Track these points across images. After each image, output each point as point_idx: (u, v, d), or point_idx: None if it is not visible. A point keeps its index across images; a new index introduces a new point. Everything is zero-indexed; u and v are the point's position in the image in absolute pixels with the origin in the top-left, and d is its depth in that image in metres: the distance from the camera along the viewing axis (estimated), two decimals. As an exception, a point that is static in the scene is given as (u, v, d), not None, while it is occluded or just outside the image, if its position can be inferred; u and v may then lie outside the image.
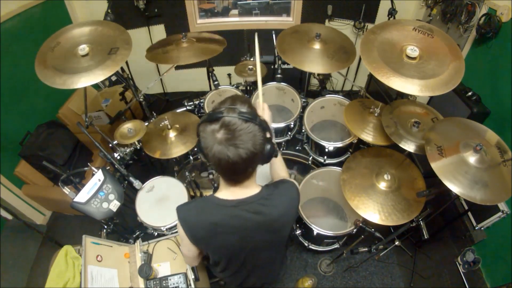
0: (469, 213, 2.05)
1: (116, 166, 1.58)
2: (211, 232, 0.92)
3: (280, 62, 1.96)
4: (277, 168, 1.16)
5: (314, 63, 1.75)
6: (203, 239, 0.95)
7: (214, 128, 0.77)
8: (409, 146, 1.48)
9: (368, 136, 1.65)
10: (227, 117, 0.77)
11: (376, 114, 1.71)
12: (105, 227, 1.68)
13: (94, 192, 1.39)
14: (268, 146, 0.84)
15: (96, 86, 2.97)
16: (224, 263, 1.07)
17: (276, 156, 0.90)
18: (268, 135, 0.84)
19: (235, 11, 2.96)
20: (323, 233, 1.70)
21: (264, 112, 1.10)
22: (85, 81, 1.38)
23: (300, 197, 1.01)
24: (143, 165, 2.12)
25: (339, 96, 2.02)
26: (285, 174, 1.15)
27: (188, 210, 0.94)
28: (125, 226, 1.83)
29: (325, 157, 1.94)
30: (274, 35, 1.99)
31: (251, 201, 0.90)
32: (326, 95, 2.04)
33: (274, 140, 0.97)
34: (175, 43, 1.86)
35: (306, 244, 1.99)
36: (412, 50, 1.39)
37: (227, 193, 0.91)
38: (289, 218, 1.00)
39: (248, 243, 0.97)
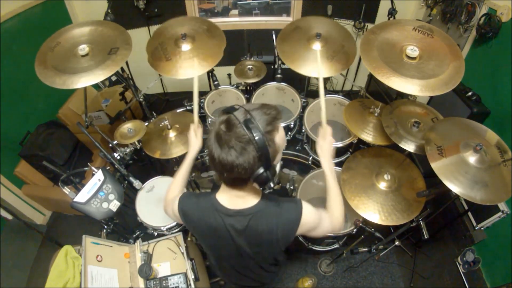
0: (469, 213, 2.05)
1: (116, 166, 1.58)
2: (205, 231, 0.95)
3: (280, 62, 1.96)
4: (330, 198, 1.05)
5: (314, 66, 1.74)
6: (197, 233, 1.01)
7: (222, 119, 0.78)
8: (409, 146, 1.48)
9: (368, 136, 1.65)
10: (236, 113, 0.76)
11: (376, 114, 1.71)
12: (105, 227, 1.67)
13: (94, 192, 1.39)
14: (261, 171, 0.77)
15: (96, 86, 2.97)
16: (214, 261, 1.12)
17: (270, 188, 0.82)
18: (265, 161, 0.76)
19: (235, 11, 2.96)
20: (323, 233, 1.70)
21: (326, 138, 1.08)
22: (85, 81, 1.38)
23: (302, 220, 0.90)
24: (143, 165, 2.12)
25: (339, 96, 2.02)
26: (334, 207, 1.03)
27: (190, 205, 0.96)
28: (125, 226, 1.83)
29: (325, 157, 1.93)
30: (274, 35, 1.99)
31: (247, 213, 0.88)
32: (326, 95, 2.03)
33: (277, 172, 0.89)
34: (175, 42, 1.84)
35: (306, 244, 1.99)
36: (412, 50, 1.39)
37: (226, 198, 0.91)
38: (278, 238, 0.91)
39: (238, 251, 0.97)
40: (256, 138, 0.72)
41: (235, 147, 0.73)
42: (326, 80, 3.21)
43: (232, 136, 0.74)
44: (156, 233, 1.61)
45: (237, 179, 0.83)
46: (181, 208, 0.96)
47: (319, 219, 0.95)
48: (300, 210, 0.89)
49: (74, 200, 1.36)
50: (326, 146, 1.08)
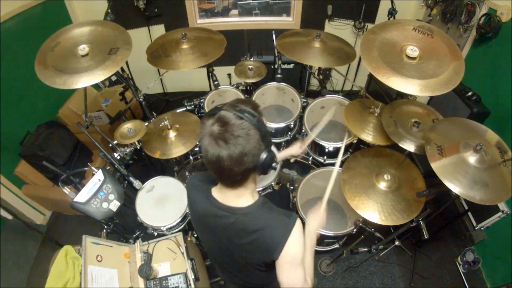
0: (469, 213, 2.05)
1: (116, 166, 1.58)
2: (199, 218, 0.98)
3: (280, 62, 1.96)
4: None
5: (315, 58, 1.76)
6: (192, 214, 1.05)
7: (211, 121, 0.77)
8: (409, 146, 1.48)
9: (368, 136, 1.65)
10: (223, 111, 0.77)
11: (376, 114, 1.71)
12: (105, 227, 1.68)
13: (94, 192, 1.39)
14: (265, 154, 0.79)
15: (96, 86, 2.97)
16: (211, 257, 1.14)
17: (275, 169, 0.83)
18: (266, 142, 0.79)
19: (235, 11, 2.96)
20: (323, 233, 1.69)
21: (317, 215, 1.04)
22: (85, 81, 1.38)
23: (289, 238, 0.83)
24: (143, 165, 2.12)
25: (339, 96, 2.02)
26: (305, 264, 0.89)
27: (194, 187, 1.01)
28: (125, 226, 1.83)
29: (325, 157, 1.94)
30: (274, 35, 1.99)
31: (237, 212, 0.86)
32: (326, 95, 2.04)
33: (276, 153, 0.85)
34: (175, 43, 1.86)
35: (306, 244, 1.99)
36: (412, 50, 1.39)
37: (220, 193, 0.90)
38: (259, 244, 0.86)
39: (226, 248, 0.96)
40: (254, 120, 0.76)
41: (241, 135, 0.74)
42: (327, 80, 3.21)
43: (232, 129, 0.74)
44: (156, 233, 1.62)
45: (245, 172, 0.80)
46: (187, 186, 1.04)
47: (302, 254, 0.86)
48: (292, 225, 0.84)
49: (74, 200, 1.36)
50: (316, 222, 1.03)
